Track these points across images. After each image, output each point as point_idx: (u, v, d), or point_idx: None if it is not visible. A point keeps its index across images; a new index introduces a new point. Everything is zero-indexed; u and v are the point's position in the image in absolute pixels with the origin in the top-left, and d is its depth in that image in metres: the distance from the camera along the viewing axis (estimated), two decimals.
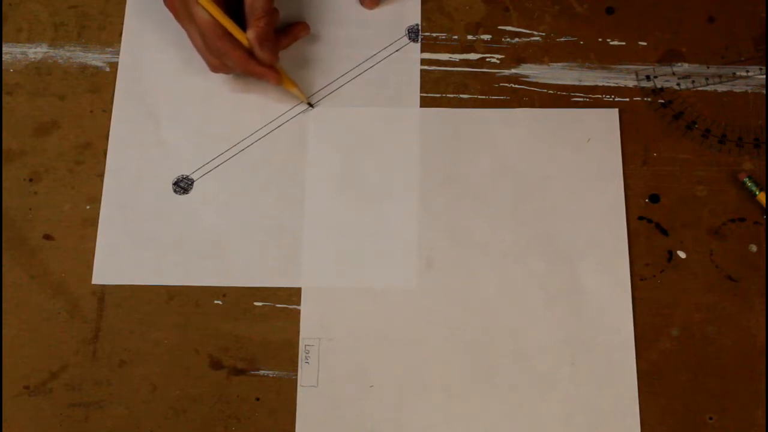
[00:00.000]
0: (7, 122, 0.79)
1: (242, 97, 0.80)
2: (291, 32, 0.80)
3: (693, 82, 0.80)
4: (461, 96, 0.80)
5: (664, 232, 0.75)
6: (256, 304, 0.74)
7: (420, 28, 0.82)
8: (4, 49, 0.82)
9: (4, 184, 0.78)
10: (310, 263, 0.75)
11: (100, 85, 0.80)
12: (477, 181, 0.77)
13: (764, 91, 0.79)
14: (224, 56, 0.75)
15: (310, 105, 0.79)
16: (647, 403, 0.71)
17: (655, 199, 0.76)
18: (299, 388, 0.72)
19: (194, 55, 0.80)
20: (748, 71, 0.80)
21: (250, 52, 0.75)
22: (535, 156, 0.77)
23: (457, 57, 0.81)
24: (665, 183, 0.76)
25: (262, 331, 0.73)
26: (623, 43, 0.81)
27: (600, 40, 0.81)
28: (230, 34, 0.74)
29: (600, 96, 0.79)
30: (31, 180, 0.78)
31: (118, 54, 0.81)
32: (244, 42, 0.75)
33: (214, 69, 0.78)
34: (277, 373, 0.72)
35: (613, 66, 0.80)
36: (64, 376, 0.73)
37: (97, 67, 0.81)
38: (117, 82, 0.80)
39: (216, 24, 0.74)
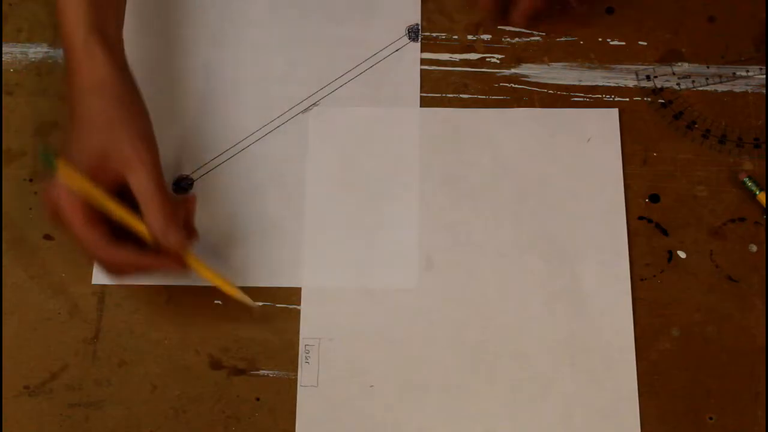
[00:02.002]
0: (7, 122, 0.79)
1: (242, 97, 0.80)
2: (185, 205, 0.70)
3: (693, 82, 0.80)
4: (461, 96, 0.80)
5: (664, 232, 0.75)
6: (256, 304, 0.74)
7: (420, 28, 0.82)
8: (4, 49, 0.82)
9: (4, 184, 0.78)
10: (310, 263, 0.75)
11: None
12: (477, 181, 0.77)
13: (764, 91, 0.79)
14: (122, 262, 0.66)
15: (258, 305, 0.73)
16: (647, 403, 0.71)
17: (655, 199, 0.76)
18: (299, 388, 0.72)
19: (193, 54, 0.80)
20: (748, 71, 0.80)
21: (143, 246, 0.67)
22: (535, 156, 0.77)
23: (457, 57, 0.81)
24: (665, 183, 0.76)
25: (262, 331, 0.73)
26: (623, 43, 0.81)
27: (600, 40, 0.81)
28: (115, 241, 0.66)
29: (600, 96, 0.79)
30: (31, 180, 0.78)
31: None
32: (144, 232, 0.66)
33: (118, 277, 0.69)
34: (277, 373, 0.72)
35: (613, 66, 0.80)
36: (64, 376, 0.73)
37: None
38: None
39: (100, 226, 0.65)
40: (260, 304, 0.72)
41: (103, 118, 0.67)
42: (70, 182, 0.65)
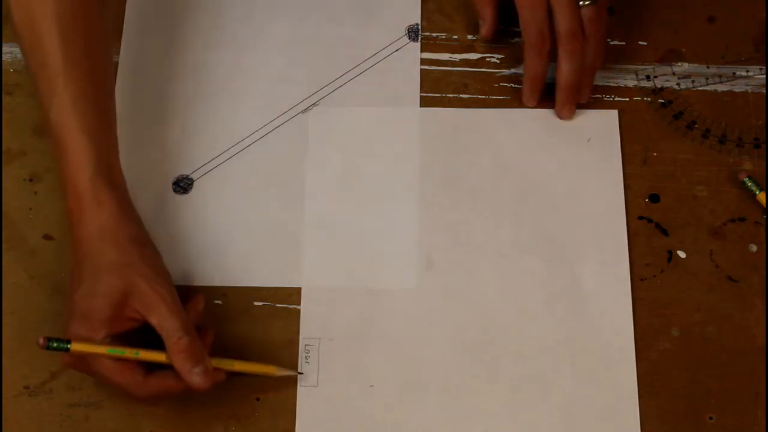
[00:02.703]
0: (7, 122, 0.79)
1: (242, 98, 0.80)
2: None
3: (693, 82, 0.80)
4: (461, 96, 0.80)
5: (664, 232, 0.75)
6: (256, 304, 0.74)
7: (420, 28, 0.82)
8: (4, 49, 0.82)
9: (4, 184, 0.78)
10: (310, 263, 0.75)
11: None
12: (477, 181, 0.77)
13: (764, 91, 0.79)
14: (158, 394, 0.67)
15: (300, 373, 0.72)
16: (647, 403, 0.71)
17: (655, 199, 0.76)
18: (299, 388, 0.71)
19: (194, 54, 0.80)
20: (748, 71, 0.80)
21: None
22: (535, 156, 0.77)
23: (457, 57, 0.81)
24: (665, 183, 0.76)
25: (262, 331, 0.73)
26: (623, 43, 0.81)
27: None
28: (149, 374, 0.66)
29: (600, 96, 0.79)
30: (31, 180, 0.78)
31: (118, 54, 0.81)
32: (164, 360, 0.66)
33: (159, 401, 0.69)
34: None
35: (613, 66, 0.80)
36: (64, 376, 0.72)
37: None
38: (117, 82, 0.80)
39: (129, 369, 0.65)
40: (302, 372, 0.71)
41: (118, 263, 0.66)
42: (87, 352, 0.65)
